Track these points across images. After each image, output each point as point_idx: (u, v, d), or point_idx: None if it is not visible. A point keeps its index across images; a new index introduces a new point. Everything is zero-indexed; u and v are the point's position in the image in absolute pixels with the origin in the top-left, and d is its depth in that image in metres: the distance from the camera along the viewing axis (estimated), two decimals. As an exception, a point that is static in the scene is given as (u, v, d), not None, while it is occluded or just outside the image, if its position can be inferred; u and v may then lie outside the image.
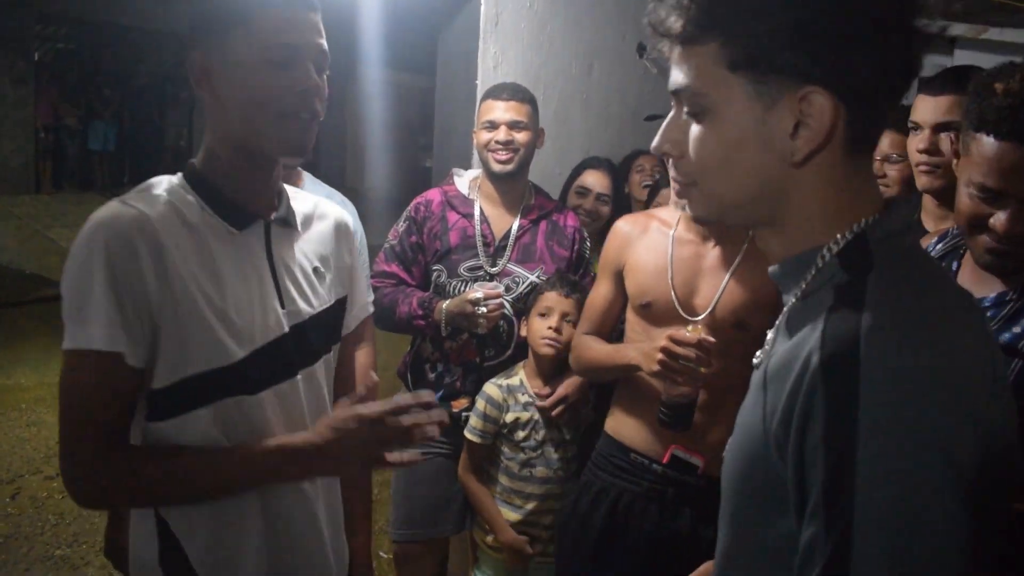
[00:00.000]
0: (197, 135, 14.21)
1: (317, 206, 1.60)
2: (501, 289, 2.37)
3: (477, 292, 2.32)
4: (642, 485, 2.07)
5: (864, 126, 0.83)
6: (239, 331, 1.33)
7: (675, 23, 0.85)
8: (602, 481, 2.13)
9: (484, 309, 2.30)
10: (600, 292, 2.23)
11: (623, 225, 2.20)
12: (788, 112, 0.81)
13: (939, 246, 1.69)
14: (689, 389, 1.88)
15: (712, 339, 1.84)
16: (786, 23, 0.78)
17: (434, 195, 2.58)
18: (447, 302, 2.41)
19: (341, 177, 14.14)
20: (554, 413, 2.36)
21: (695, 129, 0.88)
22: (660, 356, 1.85)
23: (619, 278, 2.16)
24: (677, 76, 0.88)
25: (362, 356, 2.23)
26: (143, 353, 1.26)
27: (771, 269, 0.95)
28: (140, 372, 1.27)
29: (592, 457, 2.22)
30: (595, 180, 3.13)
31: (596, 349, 2.16)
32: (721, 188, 0.89)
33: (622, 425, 2.15)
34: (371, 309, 1.76)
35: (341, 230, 1.62)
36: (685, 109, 0.89)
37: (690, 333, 1.85)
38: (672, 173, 0.97)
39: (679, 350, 1.83)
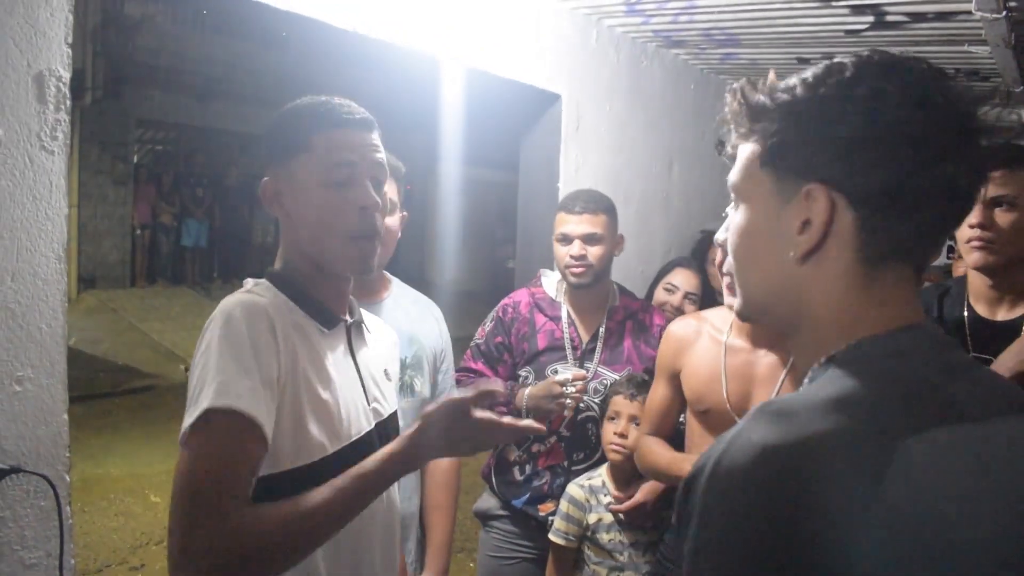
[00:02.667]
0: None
1: (375, 321, 1.67)
2: (585, 372, 2.36)
3: (564, 374, 2.32)
4: None
5: (886, 237, 0.81)
6: (336, 427, 1.36)
7: (736, 123, 0.91)
8: (667, 570, 2.19)
9: (572, 389, 2.29)
10: (658, 394, 2.24)
11: (677, 329, 2.21)
12: (798, 208, 0.83)
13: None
14: None
15: None
16: (804, 123, 0.83)
17: (522, 296, 2.61)
18: (529, 388, 2.40)
19: (420, 270, 14.43)
20: (623, 516, 2.32)
21: (732, 220, 0.93)
22: None
23: (676, 381, 2.18)
24: (731, 172, 0.93)
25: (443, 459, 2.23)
26: (271, 423, 1.23)
27: None
28: (265, 442, 1.22)
29: (660, 547, 2.26)
30: (684, 279, 3.16)
31: (657, 454, 2.16)
32: (746, 281, 0.92)
33: None
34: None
35: (395, 341, 1.71)
36: (733, 201, 0.94)
37: None
38: (723, 266, 1.00)
39: None
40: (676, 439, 2.25)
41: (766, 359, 2.02)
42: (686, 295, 3.13)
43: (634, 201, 3.69)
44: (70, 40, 1.64)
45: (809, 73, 0.84)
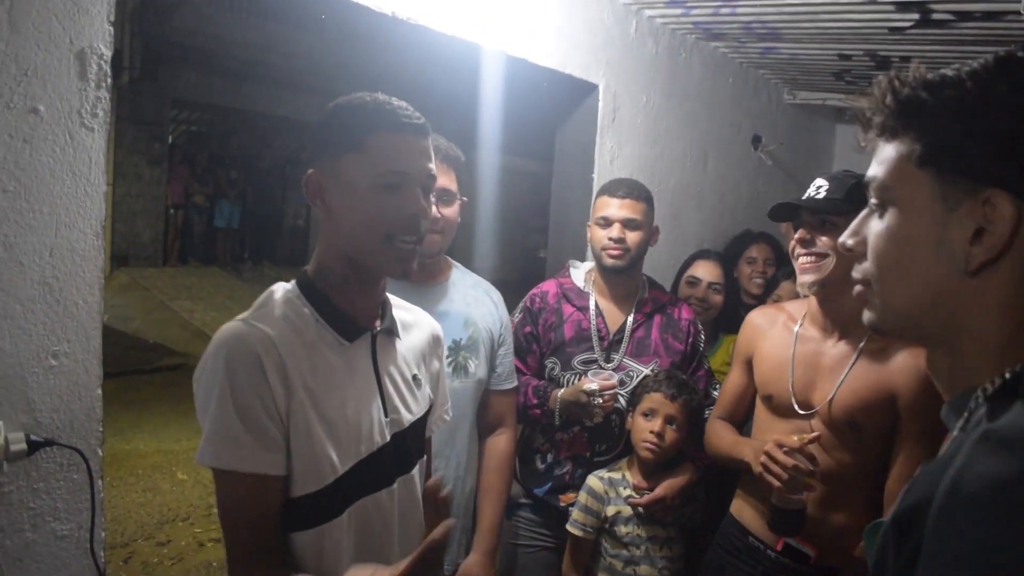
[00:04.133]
0: (314, 217, 14.79)
1: (416, 315, 1.66)
2: (615, 380, 2.35)
3: (592, 383, 2.30)
4: (757, 569, 2.12)
5: None
6: (345, 446, 1.37)
7: (876, 117, 0.85)
8: (721, 559, 2.21)
9: (600, 400, 2.29)
10: (733, 380, 2.31)
11: (755, 317, 2.28)
12: (970, 216, 0.78)
13: None
14: (797, 497, 1.89)
15: (811, 453, 1.87)
16: (977, 120, 0.77)
17: (549, 287, 2.60)
18: (562, 391, 2.41)
19: (453, 257, 14.40)
20: (642, 510, 2.32)
21: (876, 224, 0.87)
22: (764, 459, 1.91)
23: (750, 367, 2.24)
24: (872, 168, 0.88)
25: (502, 442, 2.30)
26: (282, 461, 1.29)
27: (942, 411, 0.88)
28: (282, 478, 1.30)
29: (716, 534, 2.28)
30: (706, 271, 3.16)
31: (721, 437, 2.25)
32: (894, 291, 0.86)
33: (743, 508, 2.22)
34: (447, 417, 1.77)
35: (435, 339, 1.69)
36: (872, 202, 0.88)
37: (796, 439, 1.88)
38: (853, 273, 0.93)
39: (781, 457, 1.87)
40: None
41: (834, 350, 2.03)
42: (709, 285, 3.14)
43: (667, 194, 3.66)
44: (112, 18, 1.66)
45: (977, 65, 0.79)
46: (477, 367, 2.20)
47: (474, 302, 2.26)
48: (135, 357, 8.65)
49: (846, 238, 0.92)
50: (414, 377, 1.56)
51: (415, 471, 1.54)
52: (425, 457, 1.62)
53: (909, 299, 0.84)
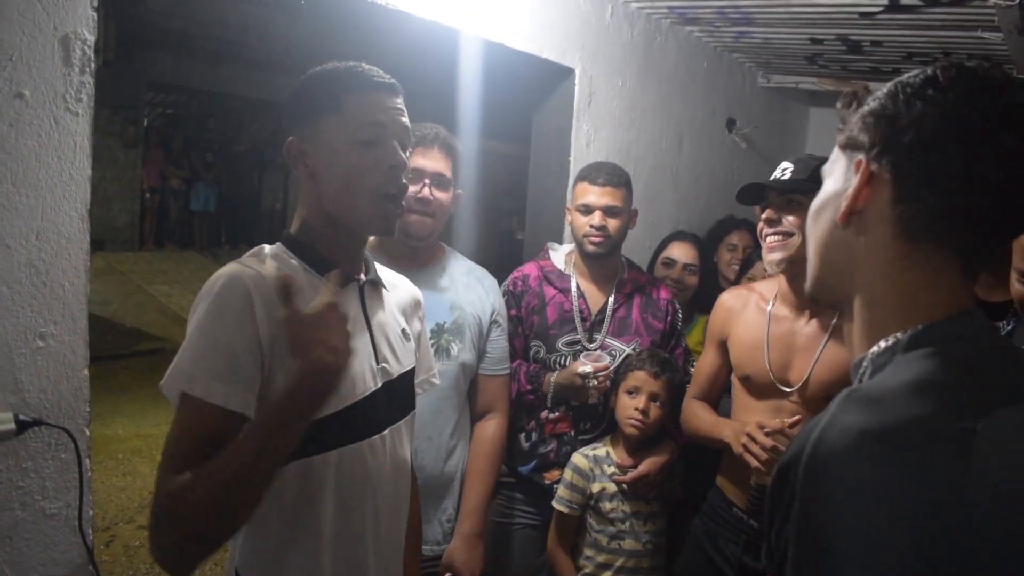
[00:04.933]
0: (292, 199, 14.71)
1: (397, 278, 1.70)
2: (608, 360, 2.40)
3: (586, 366, 2.35)
4: (740, 538, 2.19)
5: (917, 211, 0.86)
6: (341, 384, 1.37)
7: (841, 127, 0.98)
8: (707, 525, 2.29)
9: (595, 382, 2.34)
10: (707, 360, 2.37)
11: (727, 298, 2.33)
12: (851, 181, 0.91)
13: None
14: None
15: (792, 432, 1.92)
16: (868, 113, 0.91)
17: (530, 270, 2.64)
18: (555, 375, 2.45)
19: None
20: (626, 487, 2.37)
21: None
22: (744, 440, 1.97)
23: (723, 348, 2.30)
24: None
25: (491, 427, 2.32)
26: (252, 400, 1.28)
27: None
28: (246, 420, 1.26)
29: (703, 505, 2.35)
30: (681, 252, 3.22)
31: (700, 417, 2.31)
32: (809, 252, 0.99)
33: (727, 481, 2.27)
34: (436, 381, 1.82)
35: (416, 301, 1.74)
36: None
37: (778, 422, 1.94)
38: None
39: (761, 439, 1.93)
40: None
41: (807, 328, 2.10)
42: (684, 267, 3.20)
43: (643, 176, 3.71)
44: (95, 4, 1.67)
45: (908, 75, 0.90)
46: (460, 351, 2.22)
47: (464, 288, 2.28)
48: (113, 342, 8.61)
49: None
50: (403, 331, 1.61)
51: (403, 424, 1.57)
52: (414, 412, 1.64)
53: (816, 256, 0.98)
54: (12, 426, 1.59)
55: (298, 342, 1.18)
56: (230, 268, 1.35)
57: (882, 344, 0.87)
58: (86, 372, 1.74)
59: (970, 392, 0.79)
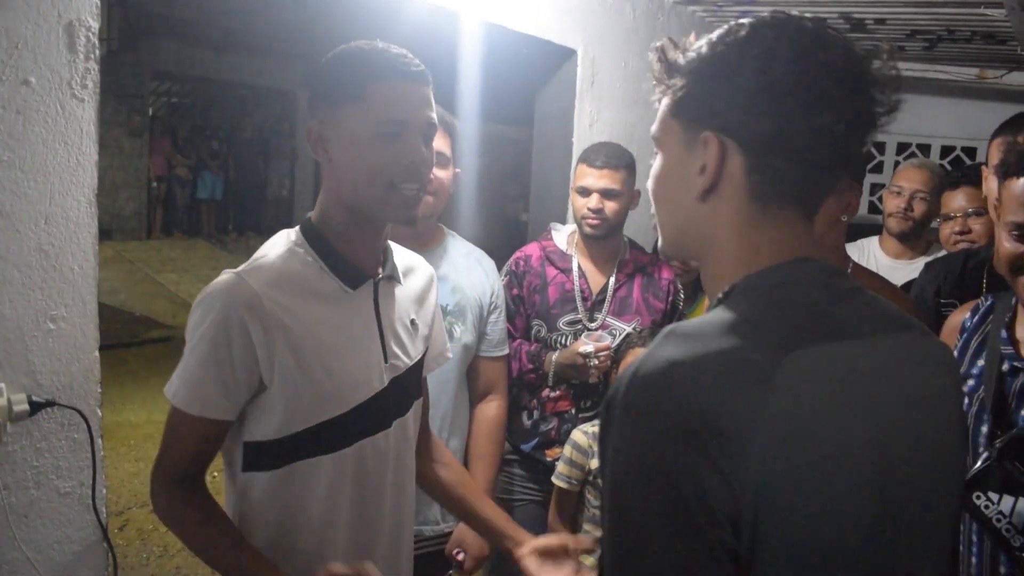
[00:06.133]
0: (298, 186, 14.72)
1: (413, 259, 1.70)
2: (609, 340, 2.42)
3: (588, 345, 2.37)
4: None
5: (773, 179, 0.90)
6: (344, 389, 1.42)
7: (656, 81, 1.00)
8: None
9: (596, 361, 2.36)
10: None
11: None
12: (698, 154, 0.93)
13: (975, 319, 1.74)
14: None
15: None
16: (705, 78, 0.92)
17: (533, 250, 2.66)
18: (556, 354, 2.47)
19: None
20: None
21: (653, 167, 1.03)
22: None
23: None
24: (653, 124, 1.03)
25: (492, 408, 2.34)
26: (236, 410, 1.39)
27: None
28: (228, 423, 1.40)
29: None
30: None
31: None
32: (662, 220, 1.03)
33: None
34: (449, 355, 1.85)
35: (431, 280, 1.73)
36: (654, 151, 1.04)
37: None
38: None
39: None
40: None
41: None
42: None
43: (647, 156, 3.68)
44: (99, -10, 1.69)
45: (715, 34, 0.94)
46: (463, 333, 2.24)
47: (464, 270, 2.29)
48: (122, 330, 8.66)
49: (648, 182, 1.07)
50: (412, 322, 1.60)
51: (409, 413, 1.59)
52: (422, 398, 1.67)
53: (671, 225, 1.02)
54: (26, 407, 1.62)
55: None
56: (227, 283, 1.36)
57: (725, 289, 0.92)
58: (97, 354, 1.77)
59: (783, 328, 0.83)
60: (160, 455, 1.43)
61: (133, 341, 8.57)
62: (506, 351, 2.41)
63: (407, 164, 1.37)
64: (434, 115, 1.43)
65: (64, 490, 1.74)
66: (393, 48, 1.39)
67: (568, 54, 3.24)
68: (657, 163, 1.01)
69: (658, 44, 0.98)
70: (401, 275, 1.58)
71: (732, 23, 0.93)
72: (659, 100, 1.00)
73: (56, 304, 1.69)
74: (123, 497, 4.79)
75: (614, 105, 3.48)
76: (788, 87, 0.86)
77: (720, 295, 0.92)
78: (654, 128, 1.01)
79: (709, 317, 0.87)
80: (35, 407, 1.64)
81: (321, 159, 1.43)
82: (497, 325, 2.36)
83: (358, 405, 1.44)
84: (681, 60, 0.95)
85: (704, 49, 0.93)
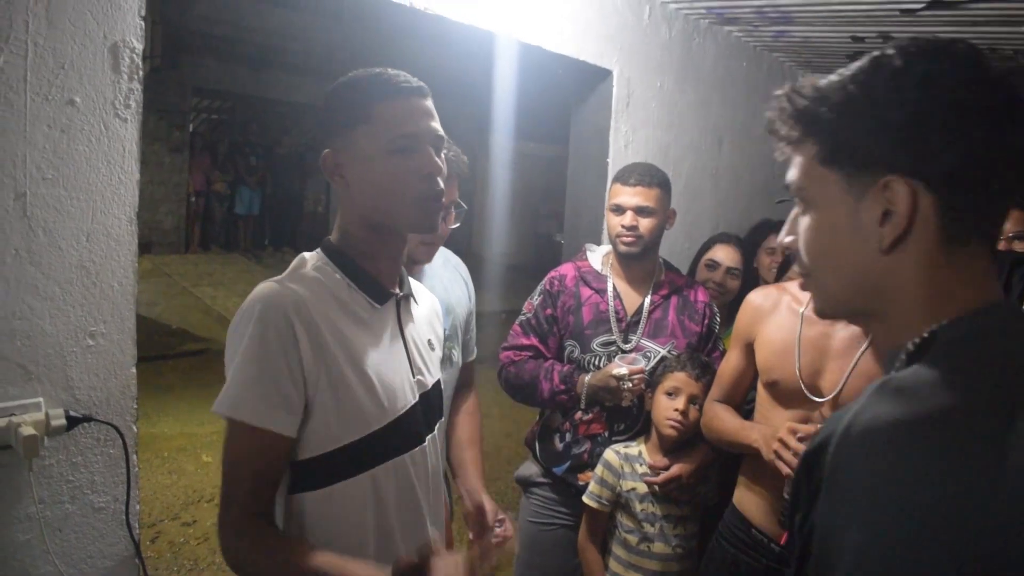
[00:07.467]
0: (334, 202, 14.86)
1: (417, 285, 1.72)
2: (643, 363, 2.40)
3: (621, 368, 2.35)
4: (761, 562, 2.08)
5: (964, 215, 0.84)
6: (382, 402, 1.43)
7: (781, 128, 0.94)
8: (724, 551, 2.17)
9: (630, 384, 2.34)
10: (731, 362, 2.26)
11: (755, 298, 2.22)
12: (875, 201, 0.85)
13: None
14: None
15: None
16: (864, 118, 0.85)
17: (567, 270, 2.65)
18: (589, 376, 2.45)
19: (467, 243, 14.52)
20: (659, 488, 2.35)
21: (803, 221, 0.95)
22: (776, 445, 1.87)
23: (749, 350, 2.18)
24: (789, 173, 0.96)
25: (465, 395, 2.35)
26: (296, 423, 1.35)
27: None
28: (291, 441, 1.36)
29: (720, 524, 2.25)
30: (725, 255, 3.17)
31: (724, 420, 2.19)
32: (826, 279, 0.94)
33: (746, 499, 2.17)
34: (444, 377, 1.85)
35: (437, 311, 1.77)
36: (797, 202, 0.96)
37: (811, 425, 1.84)
38: (795, 267, 1.01)
39: (794, 444, 1.84)
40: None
41: (843, 333, 1.99)
42: (728, 270, 3.14)
43: (682, 177, 3.70)
44: (143, 13, 1.72)
45: (856, 69, 0.87)
46: (459, 355, 2.26)
47: (451, 285, 2.29)
48: (159, 343, 8.78)
49: (783, 236, 1.00)
50: (429, 342, 1.64)
51: (437, 431, 1.61)
52: (443, 419, 1.69)
53: (839, 283, 0.93)
54: (63, 422, 1.64)
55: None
56: (268, 290, 1.37)
57: (916, 340, 0.85)
58: (134, 370, 1.79)
59: (1003, 386, 0.77)
60: (223, 496, 1.35)
61: (169, 354, 8.66)
62: (475, 353, 2.42)
63: (425, 175, 1.41)
64: (439, 126, 1.46)
65: (98, 505, 1.75)
66: (389, 70, 1.43)
67: (604, 75, 3.24)
68: (810, 220, 0.93)
69: (782, 92, 0.92)
70: (414, 299, 1.62)
71: (870, 56, 0.87)
72: (790, 151, 0.94)
73: (96, 320, 1.71)
74: (155, 509, 4.83)
75: (649, 125, 3.47)
76: (964, 111, 0.81)
77: (911, 347, 0.85)
78: (797, 182, 0.94)
79: (924, 370, 0.81)
80: (72, 422, 1.66)
81: (337, 184, 1.46)
82: (471, 331, 2.37)
83: (396, 419, 1.45)
84: (819, 105, 0.89)
85: (852, 87, 0.87)
